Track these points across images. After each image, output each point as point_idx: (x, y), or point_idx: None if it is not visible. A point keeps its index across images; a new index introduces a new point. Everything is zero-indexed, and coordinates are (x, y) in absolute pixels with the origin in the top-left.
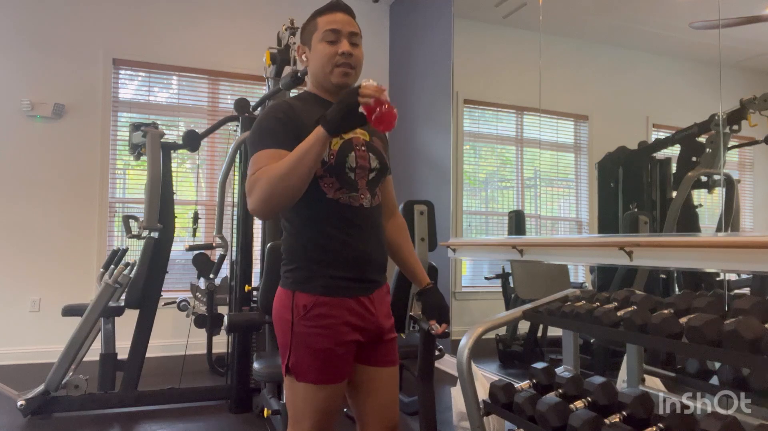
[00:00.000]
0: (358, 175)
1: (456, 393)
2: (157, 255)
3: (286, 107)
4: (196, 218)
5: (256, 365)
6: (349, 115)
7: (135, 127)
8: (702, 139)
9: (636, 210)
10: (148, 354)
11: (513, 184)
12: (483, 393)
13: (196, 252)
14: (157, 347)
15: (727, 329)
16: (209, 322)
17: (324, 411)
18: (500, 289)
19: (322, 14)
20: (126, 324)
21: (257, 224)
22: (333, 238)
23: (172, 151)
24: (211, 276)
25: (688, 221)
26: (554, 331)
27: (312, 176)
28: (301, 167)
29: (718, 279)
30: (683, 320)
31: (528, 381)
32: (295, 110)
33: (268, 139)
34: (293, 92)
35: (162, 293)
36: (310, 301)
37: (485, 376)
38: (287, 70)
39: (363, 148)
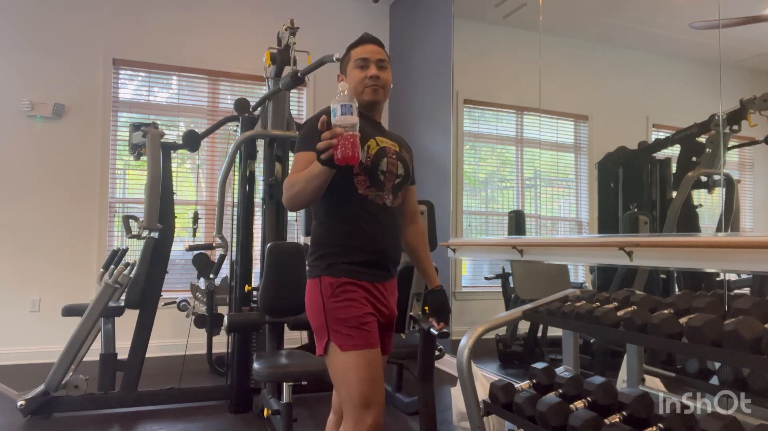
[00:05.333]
0: (387, 178)
1: (456, 393)
2: (157, 255)
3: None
4: (196, 218)
5: (256, 365)
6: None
7: (135, 127)
8: (702, 139)
9: (636, 210)
10: (148, 354)
11: (513, 184)
12: (483, 393)
13: (196, 252)
14: (157, 347)
15: (727, 329)
16: (209, 322)
17: (369, 377)
18: (500, 289)
19: (354, 47)
20: (126, 324)
21: (257, 224)
22: (358, 227)
23: (172, 151)
24: (211, 276)
25: (688, 221)
26: (554, 331)
27: (322, 192)
28: (309, 187)
29: (718, 279)
30: (683, 320)
31: (528, 381)
32: None
33: (303, 142)
34: (293, 92)
35: (162, 293)
36: (336, 281)
37: (485, 376)
38: (287, 70)
39: (393, 157)
